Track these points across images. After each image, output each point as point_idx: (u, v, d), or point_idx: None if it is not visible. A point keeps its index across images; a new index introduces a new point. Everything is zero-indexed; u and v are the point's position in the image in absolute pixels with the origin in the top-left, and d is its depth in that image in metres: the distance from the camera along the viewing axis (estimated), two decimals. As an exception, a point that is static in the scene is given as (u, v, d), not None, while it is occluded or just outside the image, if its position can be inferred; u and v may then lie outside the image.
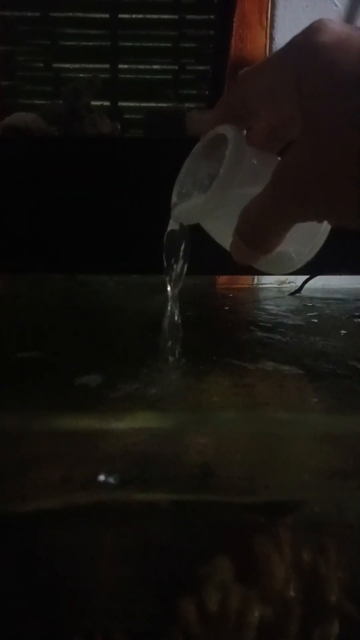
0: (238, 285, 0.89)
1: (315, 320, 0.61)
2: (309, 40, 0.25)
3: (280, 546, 0.42)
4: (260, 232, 0.28)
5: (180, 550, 0.43)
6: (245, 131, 0.32)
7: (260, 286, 0.90)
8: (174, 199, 0.34)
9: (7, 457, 0.32)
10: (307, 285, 0.80)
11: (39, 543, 0.43)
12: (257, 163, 0.30)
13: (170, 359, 0.41)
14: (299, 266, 0.33)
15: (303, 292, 0.80)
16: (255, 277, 0.89)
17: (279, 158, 0.30)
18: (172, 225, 0.35)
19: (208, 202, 0.30)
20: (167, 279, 0.37)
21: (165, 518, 0.40)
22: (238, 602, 0.40)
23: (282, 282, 0.88)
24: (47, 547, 0.43)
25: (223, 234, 0.31)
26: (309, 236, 0.32)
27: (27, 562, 0.44)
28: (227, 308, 0.69)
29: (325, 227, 0.32)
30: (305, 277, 0.80)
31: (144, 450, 0.32)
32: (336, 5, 0.95)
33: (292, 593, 0.41)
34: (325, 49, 0.24)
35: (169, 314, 0.39)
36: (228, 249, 0.31)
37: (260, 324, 0.59)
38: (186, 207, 0.32)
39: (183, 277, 0.38)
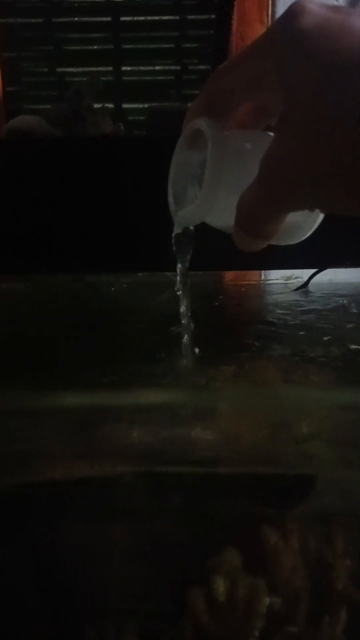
0: (244, 282, 0.89)
1: (318, 314, 0.62)
2: (287, 26, 0.25)
3: (287, 535, 0.42)
4: (256, 222, 0.29)
5: (188, 540, 0.44)
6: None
7: (267, 282, 0.90)
8: (170, 201, 0.34)
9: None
10: (313, 280, 0.80)
11: (48, 533, 0.44)
12: (243, 148, 0.29)
13: (182, 349, 0.42)
14: (308, 234, 0.32)
15: (309, 287, 0.80)
16: (262, 272, 0.89)
17: (269, 133, 0.30)
18: (177, 229, 0.35)
19: (202, 206, 0.30)
20: (179, 277, 0.38)
21: (172, 506, 0.41)
22: (246, 591, 0.41)
23: (289, 278, 0.88)
24: (56, 538, 0.44)
25: (227, 224, 0.32)
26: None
27: (34, 554, 0.45)
28: (233, 303, 0.69)
29: None
30: (312, 271, 0.80)
31: (151, 433, 0.33)
32: (337, 1, 0.96)
33: (299, 582, 0.41)
34: (304, 36, 0.24)
35: (182, 309, 0.40)
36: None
37: (265, 318, 0.59)
38: (184, 214, 0.33)
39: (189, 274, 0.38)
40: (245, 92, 0.29)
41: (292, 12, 0.25)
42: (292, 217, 0.30)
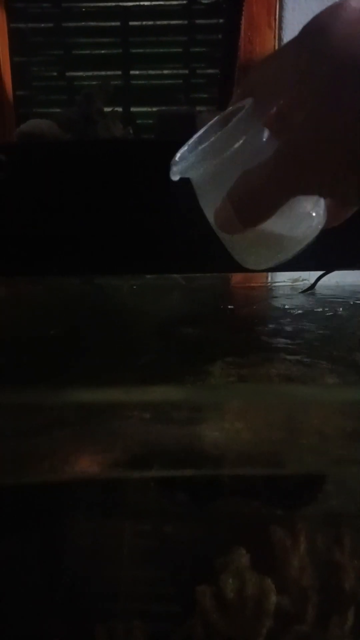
0: (251, 284, 0.89)
1: (325, 316, 0.62)
2: (323, 21, 0.26)
3: (296, 535, 0.42)
4: (255, 200, 0.28)
5: (198, 539, 0.44)
6: None
7: (274, 284, 0.90)
8: (183, 151, 0.32)
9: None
10: (320, 282, 0.80)
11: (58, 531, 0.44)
12: (264, 139, 0.29)
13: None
14: (281, 259, 0.31)
15: (316, 289, 0.80)
16: (269, 275, 0.90)
17: None
18: (173, 174, 0.32)
19: (203, 152, 0.29)
20: None
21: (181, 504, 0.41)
22: (255, 590, 0.41)
23: (296, 280, 0.89)
24: (66, 538, 0.44)
25: (211, 202, 0.30)
26: (297, 224, 0.30)
27: (46, 552, 0.45)
28: (240, 305, 0.70)
29: (317, 222, 0.31)
30: (319, 273, 0.80)
31: (159, 429, 0.33)
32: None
33: (308, 581, 0.41)
34: (335, 31, 0.25)
35: None
36: (211, 219, 0.31)
37: (272, 320, 0.59)
38: (184, 164, 0.30)
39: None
40: (273, 89, 0.29)
41: (331, 8, 0.26)
42: (272, 228, 0.29)
